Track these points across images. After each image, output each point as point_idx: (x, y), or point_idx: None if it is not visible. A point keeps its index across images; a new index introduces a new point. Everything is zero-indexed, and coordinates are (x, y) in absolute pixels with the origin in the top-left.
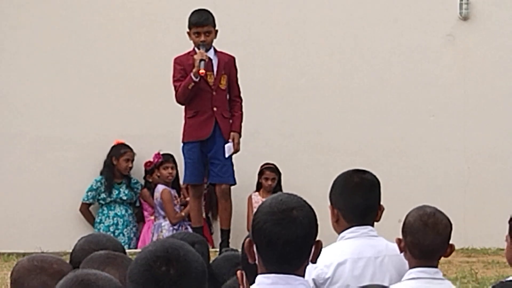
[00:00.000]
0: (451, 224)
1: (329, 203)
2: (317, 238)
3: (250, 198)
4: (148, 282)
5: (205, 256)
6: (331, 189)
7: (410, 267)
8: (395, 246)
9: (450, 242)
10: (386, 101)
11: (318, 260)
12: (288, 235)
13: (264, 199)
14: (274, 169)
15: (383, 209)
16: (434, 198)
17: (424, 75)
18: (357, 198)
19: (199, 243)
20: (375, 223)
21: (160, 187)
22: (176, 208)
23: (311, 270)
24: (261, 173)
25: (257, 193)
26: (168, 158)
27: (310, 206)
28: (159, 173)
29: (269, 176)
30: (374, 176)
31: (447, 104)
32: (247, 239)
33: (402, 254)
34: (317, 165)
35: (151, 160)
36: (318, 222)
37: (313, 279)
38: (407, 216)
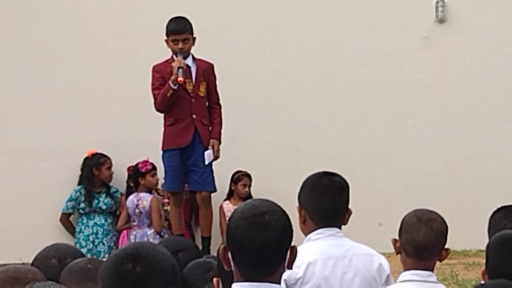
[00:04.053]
0: (447, 226)
1: (297, 204)
2: (293, 244)
3: (221, 207)
4: (114, 279)
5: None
6: (300, 190)
7: (405, 269)
8: (362, 246)
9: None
10: (364, 105)
11: None
12: (261, 239)
13: (235, 207)
14: (249, 175)
15: (351, 212)
16: (414, 201)
17: (401, 78)
18: (325, 200)
19: (184, 251)
20: (353, 226)
21: (146, 195)
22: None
23: None
24: (237, 180)
25: (228, 201)
26: (153, 166)
27: (283, 211)
28: (144, 180)
29: (247, 183)
30: (344, 179)
31: (425, 107)
32: (222, 246)
33: (371, 252)
34: (297, 171)
35: (140, 167)
36: (298, 227)
37: (284, 280)
38: (404, 217)
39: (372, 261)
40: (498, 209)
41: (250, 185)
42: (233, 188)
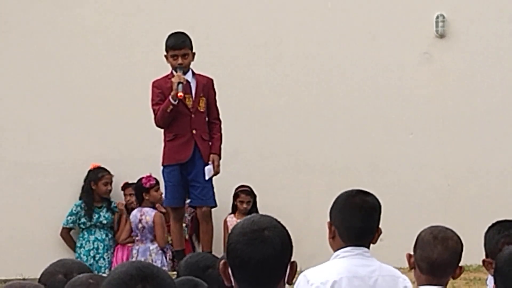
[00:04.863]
0: (462, 244)
1: (328, 219)
2: (293, 259)
3: (225, 221)
4: None
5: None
6: (332, 206)
7: (418, 284)
8: (388, 267)
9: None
10: (364, 119)
11: (314, 277)
12: (260, 255)
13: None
14: (249, 191)
15: (381, 232)
16: (414, 216)
17: (401, 93)
18: (355, 220)
19: (214, 268)
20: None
21: (150, 210)
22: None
23: (307, 287)
24: (236, 196)
25: (232, 215)
26: (157, 181)
27: (283, 226)
28: (148, 195)
29: (244, 199)
30: (376, 199)
31: (426, 121)
32: (222, 261)
33: (397, 274)
34: (297, 185)
35: (143, 182)
36: (299, 242)
37: None
38: (420, 232)
39: (397, 283)
40: (493, 224)
41: (249, 201)
42: (235, 203)
